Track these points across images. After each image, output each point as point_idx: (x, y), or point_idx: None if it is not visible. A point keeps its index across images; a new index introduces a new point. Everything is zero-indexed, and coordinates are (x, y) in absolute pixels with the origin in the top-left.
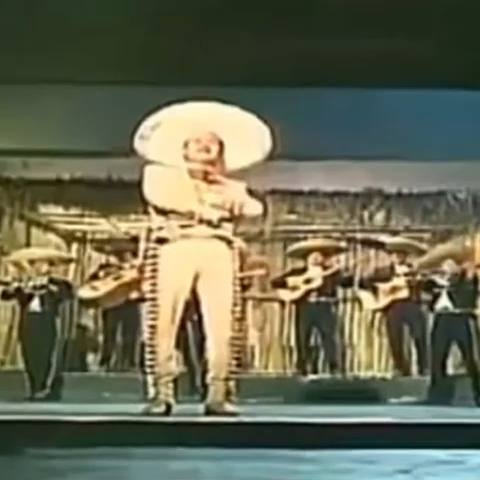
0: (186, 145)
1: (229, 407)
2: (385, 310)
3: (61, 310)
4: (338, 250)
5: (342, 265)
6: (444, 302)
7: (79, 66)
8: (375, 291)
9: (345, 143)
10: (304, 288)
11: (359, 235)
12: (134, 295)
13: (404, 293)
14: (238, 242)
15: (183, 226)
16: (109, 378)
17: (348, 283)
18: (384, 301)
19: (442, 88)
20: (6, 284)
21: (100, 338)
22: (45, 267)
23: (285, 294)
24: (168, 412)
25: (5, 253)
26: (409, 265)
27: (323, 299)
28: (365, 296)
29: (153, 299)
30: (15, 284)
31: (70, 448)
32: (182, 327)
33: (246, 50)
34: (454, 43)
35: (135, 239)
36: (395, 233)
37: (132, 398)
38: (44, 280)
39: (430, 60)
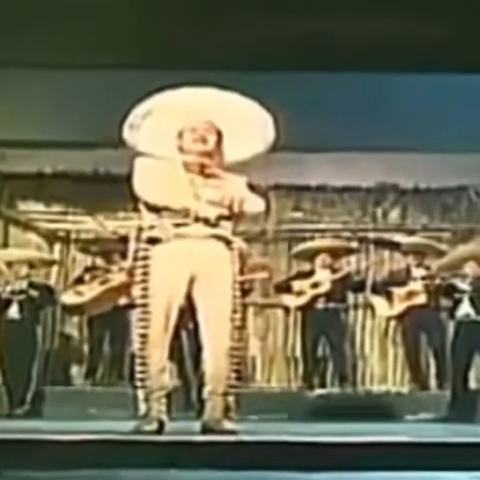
0: (180, 135)
1: (228, 425)
2: (400, 317)
3: (42, 317)
4: (348, 251)
5: (353, 268)
6: (466, 308)
7: (62, 48)
8: (389, 296)
9: (356, 133)
10: (311, 293)
11: (372, 235)
12: (123, 301)
13: (421, 299)
14: (238, 242)
15: (177, 225)
16: (95, 393)
17: (359, 288)
18: (399, 307)
19: (462, 73)
20: None
21: (85, 348)
22: (24, 270)
23: (290, 300)
24: (161, 430)
25: None
26: (427, 268)
27: (332, 305)
28: (378, 302)
29: (144, 305)
30: None
31: (52, 470)
32: (176, 336)
33: (247, 30)
34: (472, 24)
35: (124, 239)
36: (411, 232)
37: (121, 415)
38: (23, 284)
39: (448, 42)
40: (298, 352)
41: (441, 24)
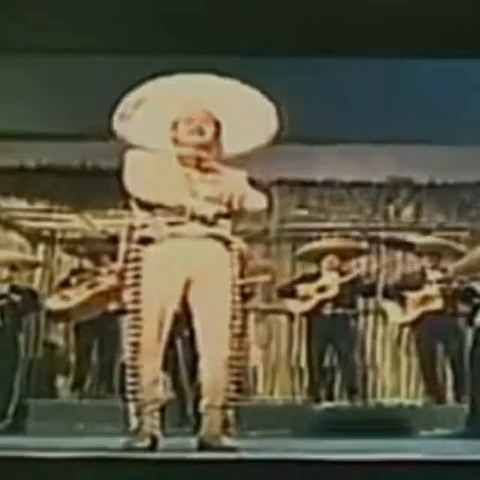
0: (175, 126)
1: (227, 441)
2: (415, 324)
3: (25, 324)
4: (358, 252)
5: (363, 270)
6: None
7: (46, 31)
8: (402, 301)
9: (366, 124)
10: (317, 298)
11: (383, 234)
12: (113, 306)
13: (437, 304)
14: (238, 243)
15: (172, 223)
16: (83, 406)
17: (370, 292)
18: (413, 313)
19: None
20: None
21: (72, 358)
22: (5, 272)
23: (294, 305)
24: (154, 447)
25: None
26: (443, 270)
27: (340, 311)
28: (390, 307)
29: (135, 311)
30: None
31: None
32: (170, 345)
33: (248, 10)
34: None
35: (114, 239)
36: (426, 232)
37: (110, 430)
38: (4, 288)
39: (469, 25)
40: (303, 362)
41: (461, 6)
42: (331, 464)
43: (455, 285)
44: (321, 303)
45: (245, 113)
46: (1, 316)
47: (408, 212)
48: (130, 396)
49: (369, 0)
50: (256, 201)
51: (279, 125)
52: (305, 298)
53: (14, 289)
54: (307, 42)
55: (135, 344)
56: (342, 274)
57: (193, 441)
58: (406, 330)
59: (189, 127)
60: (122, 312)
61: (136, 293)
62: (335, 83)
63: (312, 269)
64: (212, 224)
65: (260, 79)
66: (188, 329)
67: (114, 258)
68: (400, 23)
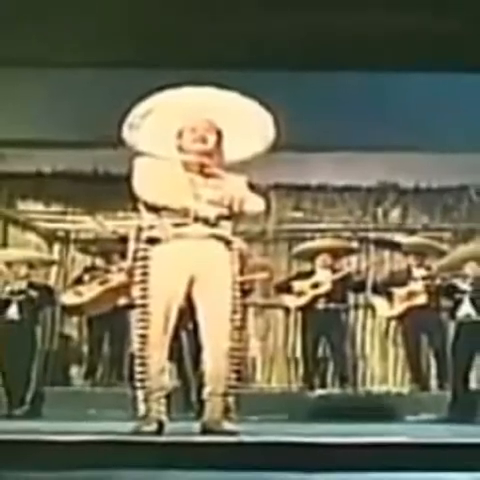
0: (180, 134)
1: (228, 425)
2: (401, 318)
3: (41, 318)
4: (349, 251)
5: (353, 268)
6: (466, 309)
7: (62, 46)
8: (390, 297)
9: (357, 132)
10: (311, 293)
11: (372, 234)
12: (122, 301)
13: (422, 299)
14: (238, 242)
15: (177, 224)
16: (95, 393)
17: (360, 288)
18: (400, 308)
19: (467, 71)
20: None
21: (85, 349)
22: (24, 270)
23: (290, 300)
24: (160, 431)
25: None
26: (428, 268)
27: (332, 306)
28: (379, 302)
29: (143, 306)
30: None
31: (51, 471)
32: (176, 337)
33: (247, 26)
34: (476, 22)
35: (124, 239)
36: (412, 232)
37: (120, 415)
38: (23, 285)
39: (454, 40)
40: (298, 352)
41: (448, 21)
42: (324, 447)
43: (438, 282)
44: (315, 298)
45: (244, 123)
46: (20, 310)
47: (395, 214)
48: (138, 384)
49: (362, 17)
50: (255, 204)
51: (276, 134)
52: (300, 294)
53: (32, 285)
54: (303, 56)
55: (143, 336)
56: (334, 271)
57: (196, 425)
58: (393, 323)
59: (193, 136)
60: (131, 307)
61: (144, 289)
62: (328, 94)
63: (307, 267)
64: (214, 225)
65: (258, 91)
66: (192, 322)
67: (124, 257)
68: (387, 38)
